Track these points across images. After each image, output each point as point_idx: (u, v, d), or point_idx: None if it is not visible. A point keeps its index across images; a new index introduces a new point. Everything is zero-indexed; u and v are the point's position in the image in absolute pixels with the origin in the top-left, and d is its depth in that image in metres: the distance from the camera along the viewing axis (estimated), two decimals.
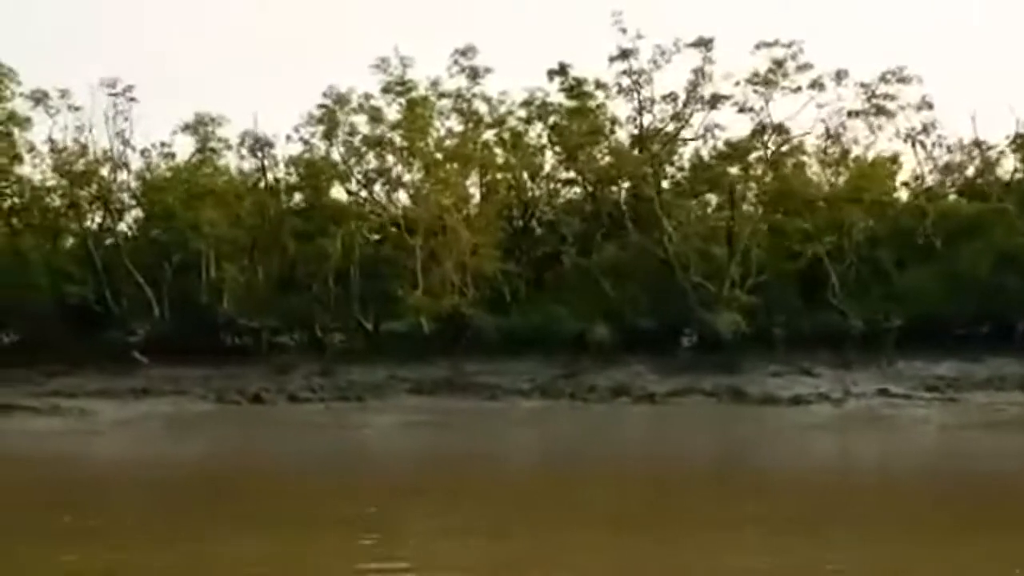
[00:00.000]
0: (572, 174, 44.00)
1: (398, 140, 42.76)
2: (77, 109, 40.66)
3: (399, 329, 39.12)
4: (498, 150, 44.07)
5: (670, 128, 39.95)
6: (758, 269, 37.97)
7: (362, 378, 35.86)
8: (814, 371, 34.29)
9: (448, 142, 43.13)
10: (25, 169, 42.19)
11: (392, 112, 42.82)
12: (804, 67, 37.21)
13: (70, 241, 42.59)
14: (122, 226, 42.37)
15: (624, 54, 39.13)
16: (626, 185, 41.70)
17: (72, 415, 33.92)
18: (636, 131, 40.27)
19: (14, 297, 39.58)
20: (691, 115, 39.42)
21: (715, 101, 37.58)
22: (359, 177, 43.44)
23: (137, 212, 42.73)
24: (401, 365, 36.84)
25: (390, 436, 30.48)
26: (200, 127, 43.35)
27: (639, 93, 39.49)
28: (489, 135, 44.08)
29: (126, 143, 41.83)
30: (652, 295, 38.99)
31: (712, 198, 40.49)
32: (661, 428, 29.19)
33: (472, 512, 16.95)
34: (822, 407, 31.66)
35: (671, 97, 39.14)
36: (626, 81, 39.54)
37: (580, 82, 43.01)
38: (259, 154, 43.18)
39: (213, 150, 43.52)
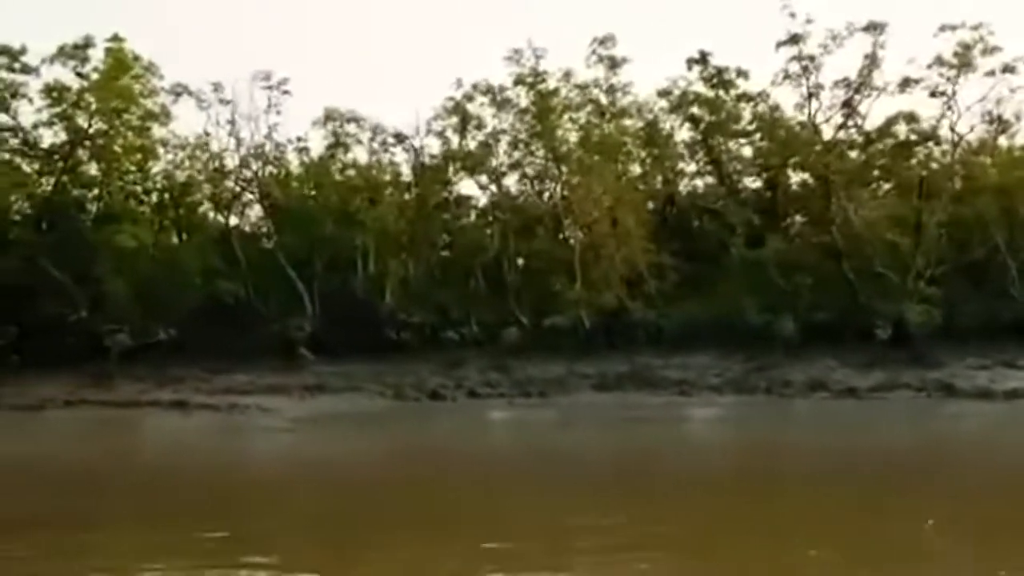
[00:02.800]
0: (718, 164, 43.13)
1: (531, 132, 41.96)
2: (228, 103, 40.06)
3: (561, 323, 38.05)
4: (630, 139, 43.16)
5: (839, 115, 38.77)
6: (937, 260, 36.78)
7: (540, 373, 34.87)
8: (1018, 363, 32.98)
9: (585, 133, 42.23)
10: (162, 164, 41.78)
11: (525, 103, 41.99)
12: (992, 50, 36.00)
13: (215, 237, 41.72)
14: (271, 221, 41.60)
15: (793, 39, 38.01)
16: (791, 174, 40.75)
17: (252, 413, 33.11)
18: (805, 118, 39.07)
19: (166, 294, 38.90)
20: (860, 101, 38.26)
21: (905, 85, 36.37)
22: (490, 170, 42.60)
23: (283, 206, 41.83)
24: (575, 359, 35.86)
25: (594, 434, 29.24)
26: (330, 121, 42.64)
27: (808, 79, 38.35)
28: (627, 125, 43.24)
29: (269, 138, 41.25)
30: (823, 286, 37.87)
31: (884, 186, 39.26)
32: (889, 425, 27.88)
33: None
34: None
35: (843, 83, 37.95)
36: (795, 67, 38.37)
37: (721, 70, 42.06)
38: (392, 149, 42.42)
39: (345, 145, 42.78)
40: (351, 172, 42.21)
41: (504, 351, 36.78)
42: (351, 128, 42.56)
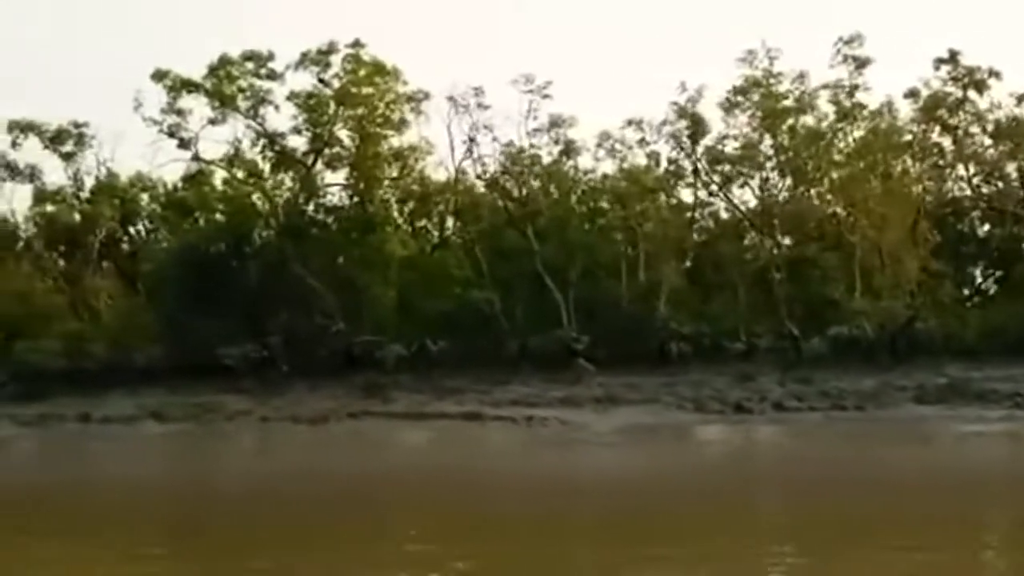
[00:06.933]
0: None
1: (770, 135, 39.97)
2: (487, 108, 38.71)
3: (844, 334, 35.78)
4: (877, 141, 40.82)
5: None
6: None
7: (849, 385, 32.73)
8: None
9: (832, 136, 40.11)
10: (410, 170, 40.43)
11: (759, 105, 39.94)
12: None
13: (466, 245, 40.17)
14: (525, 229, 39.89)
15: None
16: None
17: (552, 425, 31.48)
18: None
19: (425, 304, 37.44)
20: None
21: None
22: (715, 177, 40.57)
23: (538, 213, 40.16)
24: (874, 371, 33.59)
25: (947, 453, 26.61)
26: (554, 128, 41.00)
27: None
28: (874, 127, 40.95)
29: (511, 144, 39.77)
30: None
31: None
32: None
33: None
34: None
35: None
36: None
37: (972, 70, 39.74)
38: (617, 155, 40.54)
39: (572, 152, 41.12)
40: (593, 176, 40.68)
41: (793, 362, 34.68)
42: (573, 133, 40.93)
